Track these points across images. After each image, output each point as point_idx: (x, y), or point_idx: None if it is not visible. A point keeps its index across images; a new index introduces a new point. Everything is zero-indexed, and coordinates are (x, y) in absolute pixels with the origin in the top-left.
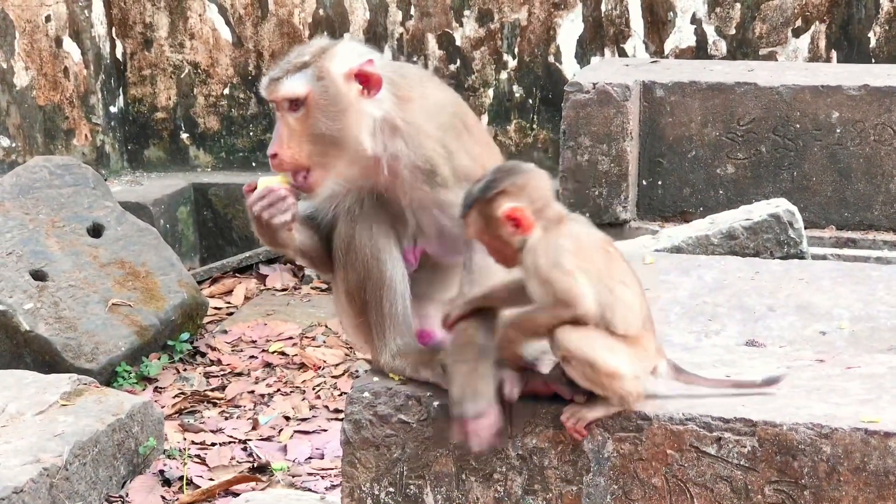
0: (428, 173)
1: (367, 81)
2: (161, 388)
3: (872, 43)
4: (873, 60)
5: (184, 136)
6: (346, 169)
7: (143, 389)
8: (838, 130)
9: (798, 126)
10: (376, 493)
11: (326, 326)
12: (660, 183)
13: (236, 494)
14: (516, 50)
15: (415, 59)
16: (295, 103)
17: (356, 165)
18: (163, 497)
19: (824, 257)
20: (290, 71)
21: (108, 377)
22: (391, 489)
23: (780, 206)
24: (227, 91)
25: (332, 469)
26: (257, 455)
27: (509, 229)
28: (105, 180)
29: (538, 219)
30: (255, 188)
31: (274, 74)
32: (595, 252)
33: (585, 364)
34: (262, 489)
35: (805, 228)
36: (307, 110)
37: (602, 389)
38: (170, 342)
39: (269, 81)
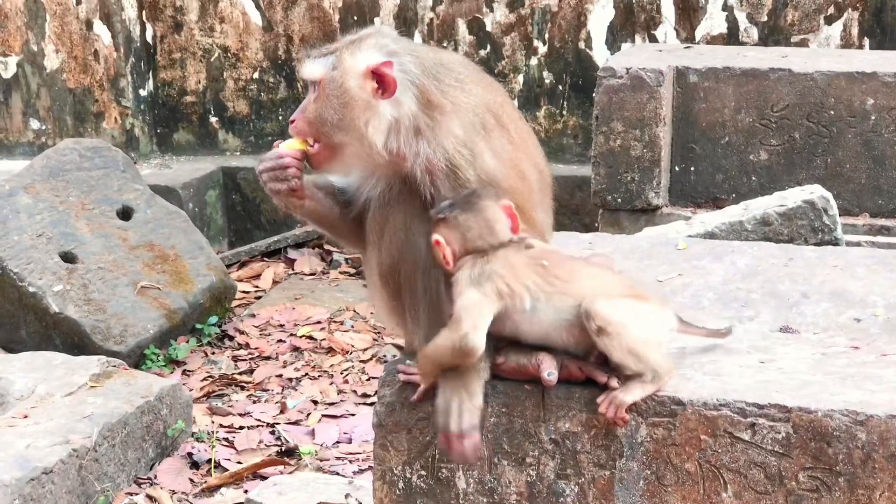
0: (449, 175)
1: (383, 82)
2: (189, 371)
3: None
4: None
5: (213, 119)
6: (353, 158)
7: (172, 372)
8: (873, 117)
9: (832, 112)
10: (408, 476)
11: (354, 311)
12: (692, 169)
13: (264, 478)
14: (547, 36)
15: (445, 44)
16: (314, 84)
17: (365, 158)
18: (191, 479)
19: (858, 244)
20: (319, 54)
21: (137, 360)
22: (423, 472)
23: (814, 192)
24: (256, 75)
25: (359, 453)
26: (285, 439)
27: (439, 257)
28: (134, 163)
29: (466, 253)
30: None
31: (309, 53)
32: (527, 270)
33: (621, 329)
34: (289, 473)
35: (839, 215)
36: (319, 94)
37: (637, 360)
38: (198, 325)
39: (302, 58)
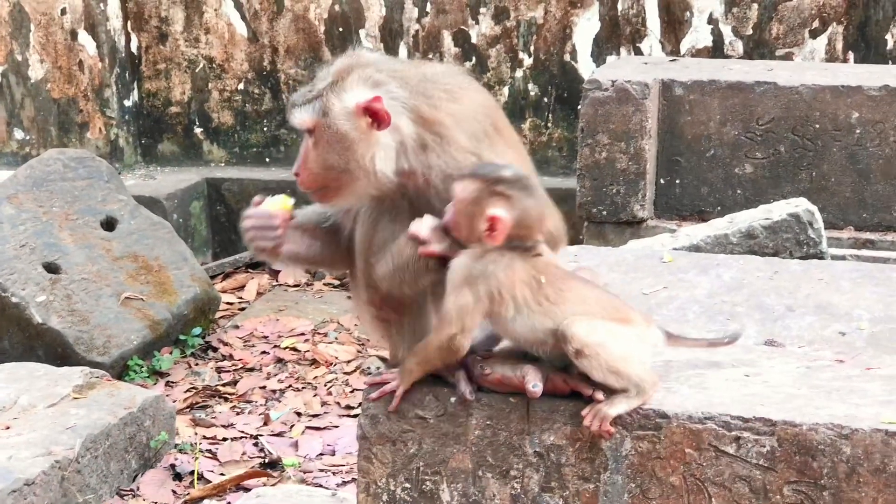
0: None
1: (376, 116)
2: (173, 382)
3: (889, 44)
4: (890, 62)
5: (198, 130)
6: (364, 191)
7: (155, 383)
8: (858, 131)
9: (817, 126)
10: (392, 488)
11: (338, 323)
12: (678, 182)
13: (247, 490)
14: (532, 48)
15: (430, 56)
16: (308, 131)
17: (377, 187)
18: (173, 491)
19: (843, 258)
20: (303, 101)
21: (120, 371)
22: (407, 485)
23: (799, 205)
24: (241, 86)
25: (343, 465)
26: (268, 450)
27: (482, 226)
28: (119, 174)
29: (508, 240)
30: (259, 203)
31: (294, 99)
32: (523, 283)
33: (599, 349)
34: (272, 485)
35: (824, 229)
36: (315, 140)
37: (618, 378)
38: (182, 336)
39: (289, 105)
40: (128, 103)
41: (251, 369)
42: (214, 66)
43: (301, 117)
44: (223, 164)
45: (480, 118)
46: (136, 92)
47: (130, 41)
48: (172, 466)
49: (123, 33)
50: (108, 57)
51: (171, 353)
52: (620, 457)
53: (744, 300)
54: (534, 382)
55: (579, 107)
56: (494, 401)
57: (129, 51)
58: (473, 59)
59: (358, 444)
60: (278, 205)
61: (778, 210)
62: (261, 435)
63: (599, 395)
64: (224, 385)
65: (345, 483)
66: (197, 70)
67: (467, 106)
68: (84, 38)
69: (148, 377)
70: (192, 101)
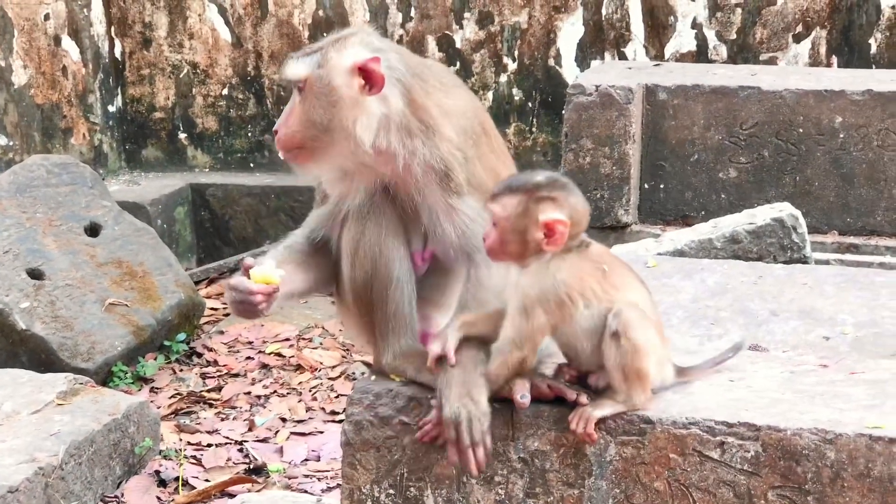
0: (443, 176)
1: (370, 78)
2: (157, 388)
3: (873, 49)
4: (874, 66)
5: (182, 136)
6: (341, 158)
7: (139, 389)
8: (842, 135)
9: (801, 130)
10: (376, 494)
11: (323, 328)
12: (662, 186)
13: (232, 496)
14: (516, 53)
15: None
16: (299, 85)
17: (352, 158)
18: (158, 498)
19: (827, 262)
20: (303, 54)
21: (104, 377)
22: (391, 491)
23: (783, 210)
24: (225, 91)
25: (328, 471)
26: (253, 456)
27: (538, 236)
28: (103, 179)
29: (566, 243)
30: (249, 269)
31: (293, 54)
32: (591, 276)
33: (636, 344)
34: (257, 491)
35: (808, 233)
36: (304, 95)
37: (625, 379)
38: (166, 342)
39: (289, 59)
40: (112, 109)
41: (236, 375)
42: (198, 71)
43: (296, 69)
44: (207, 170)
45: (469, 116)
46: (119, 97)
47: (114, 46)
48: (157, 473)
49: (107, 39)
50: (92, 62)
51: (155, 359)
52: (605, 462)
53: (728, 305)
54: (522, 393)
55: (563, 111)
56: None
57: (112, 56)
58: (458, 63)
59: (342, 451)
60: (264, 278)
61: (762, 215)
62: (245, 441)
63: (584, 399)
64: (209, 391)
65: (330, 489)
66: (181, 75)
67: (457, 102)
68: (68, 43)
69: (132, 383)
70: (177, 107)
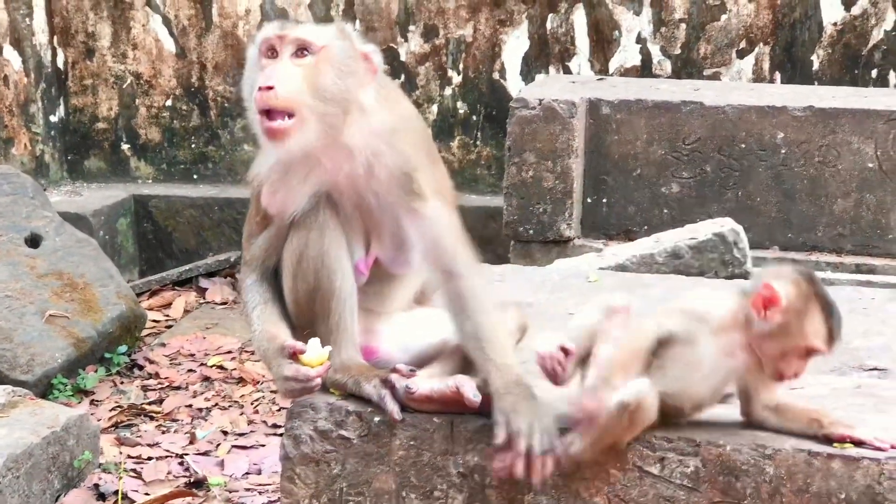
0: (406, 178)
1: (371, 67)
2: (97, 400)
3: (815, 65)
4: (816, 83)
5: (125, 146)
6: (328, 131)
7: (80, 402)
8: (783, 151)
9: (743, 146)
10: None
11: None
12: (605, 201)
13: None
14: (461, 66)
15: None
16: (304, 50)
17: (331, 141)
18: None
19: None
20: (311, 24)
21: (44, 389)
22: None
23: (725, 225)
24: (169, 102)
25: (269, 485)
26: (194, 470)
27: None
28: (44, 190)
29: None
30: (297, 354)
31: (288, 21)
32: None
33: None
34: None
35: (749, 248)
36: (317, 61)
37: None
38: (107, 355)
39: (286, 23)
40: (54, 119)
41: (177, 388)
42: (142, 81)
43: (313, 32)
44: (150, 181)
45: (418, 128)
46: (62, 107)
47: (57, 56)
48: (96, 486)
49: (50, 48)
50: (34, 72)
51: (96, 371)
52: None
53: None
54: (473, 392)
55: (507, 125)
56: (419, 421)
57: (55, 66)
58: (402, 76)
59: (281, 465)
60: (318, 360)
61: (703, 230)
62: (186, 454)
63: None
64: (150, 403)
65: (271, 502)
66: (124, 86)
67: (408, 113)
68: (9, 52)
69: (72, 396)
70: (120, 118)
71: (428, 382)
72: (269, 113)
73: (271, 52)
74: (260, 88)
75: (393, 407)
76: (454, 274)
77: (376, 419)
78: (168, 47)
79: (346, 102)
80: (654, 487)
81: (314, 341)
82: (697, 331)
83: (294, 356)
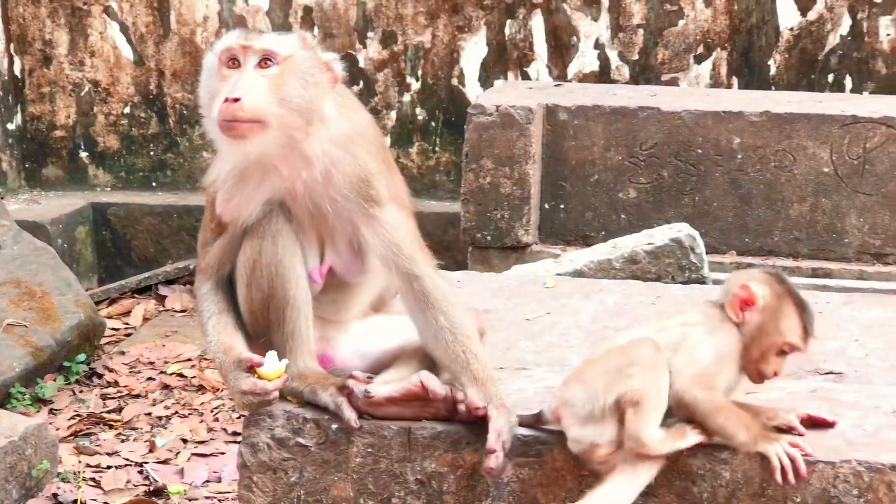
0: (364, 184)
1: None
2: (56, 409)
3: (773, 70)
4: (773, 87)
5: (83, 154)
6: (290, 140)
7: (38, 411)
8: (739, 156)
9: (700, 151)
10: None
11: None
12: (562, 206)
13: None
14: (420, 72)
15: None
16: (268, 61)
17: (289, 149)
18: None
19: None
20: (274, 33)
21: (2, 399)
22: None
23: (681, 230)
24: (127, 110)
25: (229, 493)
26: (153, 478)
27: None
28: (1, 198)
29: None
30: (255, 367)
31: (252, 28)
32: None
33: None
34: None
35: (706, 253)
36: (282, 71)
37: None
38: (66, 363)
39: (248, 32)
40: (11, 127)
41: (137, 396)
42: (100, 89)
43: (278, 42)
44: (109, 189)
45: (374, 136)
46: (19, 115)
47: (13, 64)
48: (55, 496)
49: (6, 56)
50: None
51: (54, 380)
52: (502, 484)
53: (626, 325)
54: (440, 386)
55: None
56: (376, 428)
57: (12, 73)
58: (361, 83)
59: (238, 473)
60: (276, 373)
61: (660, 235)
62: (146, 462)
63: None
64: (109, 412)
65: None
66: (82, 94)
67: (364, 120)
68: None
69: (30, 405)
70: (78, 125)
71: (387, 386)
72: (233, 122)
73: (233, 61)
74: (226, 100)
75: (350, 414)
76: (415, 277)
77: (333, 427)
78: (126, 54)
79: (309, 112)
80: None
81: (271, 354)
82: None
83: (251, 369)
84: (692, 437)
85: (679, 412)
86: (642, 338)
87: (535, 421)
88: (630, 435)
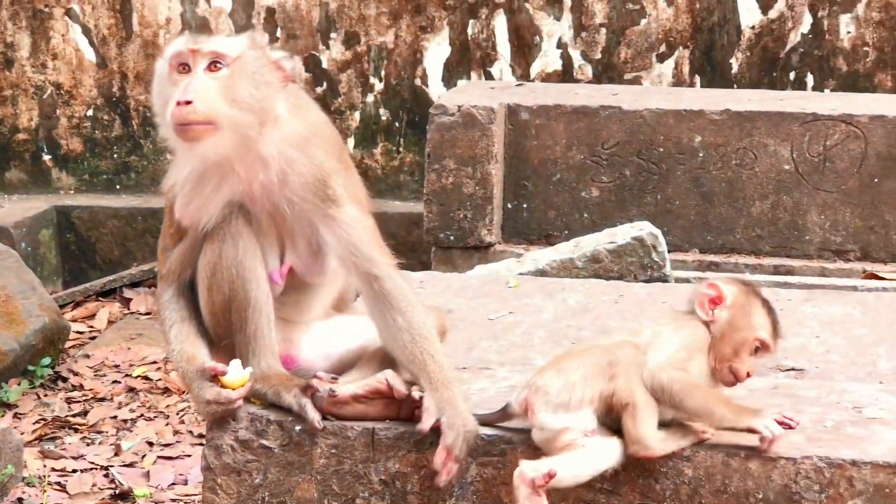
0: (321, 184)
1: (284, 74)
2: (21, 413)
3: (734, 69)
4: (735, 86)
5: (46, 157)
6: (244, 141)
7: (2, 415)
8: (701, 154)
9: (662, 150)
10: None
11: None
12: (525, 206)
13: None
14: (383, 73)
15: None
16: (217, 63)
17: (244, 150)
18: None
19: (687, 280)
20: (222, 36)
21: None
22: None
23: (643, 229)
24: (90, 112)
25: (195, 495)
26: (119, 481)
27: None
28: None
29: None
30: (218, 376)
31: (201, 33)
32: None
33: None
34: None
35: (668, 251)
36: (232, 72)
37: None
38: (30, 367)
39: (196, 36)
40: None
41: (102, 399)
42: (62, 92)
43: (225, 44)
44: (73, 192)
45: (330, 135)
46: None
47: None
48: (20, 501)
49: None
50: None
51: (18, 384)
52: (465, 483)
53: (588, 324)
54: (403, 385)
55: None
56: (339, 429)
57: None
58: (325, 84)
59: (203, 475)
60: (240, 382)
61: (622, 234)
62: (112, 466)
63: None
64: (74, 416)
65: None
66: (44, 96)
67: (319, 120)
68: None
69: None
70: (40, 128)
71: (352, 385)
72: (186, 126)
73: (183, 66)
74: (178, 103)
75: (313, 415)
76: (374, 277)
77: (297, 428)
78: (88, 57)
79: (262, 111)
80: (574, 491)
81: (235, 363)
82: None
83: (215, 378)
84: (692, 436)
85: (660, 400)
86: (623, 340)
87: (500, 417)
88: (632, 438)
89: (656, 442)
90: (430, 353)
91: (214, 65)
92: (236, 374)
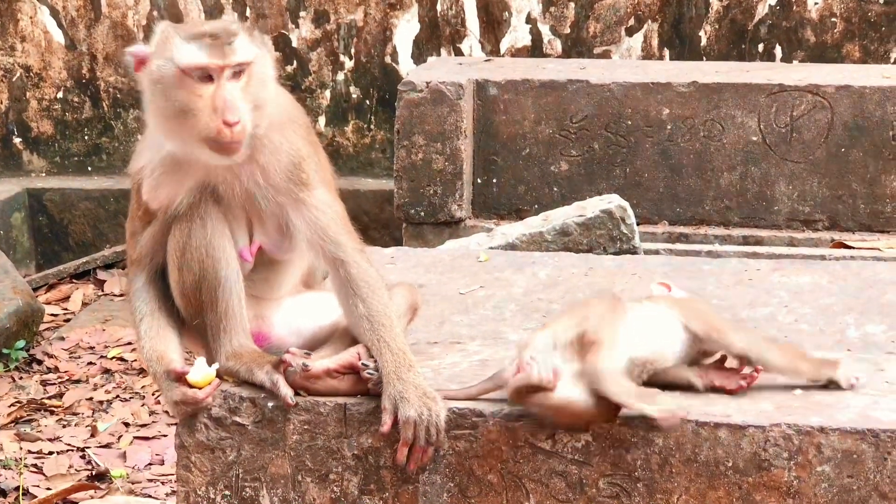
0: (296, 168)
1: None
2: None
3: (703, 41)
4: (704, 58)
5: (16, 140)
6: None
7: None
8: (669, 127)
9: (630, 123)
10: (212, 496)
11: None
12: (494, 181)
13: (74, 503)
14: (353, 51)
15: None
16: (240, 71)
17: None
18: None
19: (657, 252)
20: (234, 35)
21: None
22: (227, 492)
23: (612, 201)
24: (60, 94)
25: (172, 475)
26: (96, 462)
27: None
28: None
29: None
30: (182, 377)
31: (217, 39)
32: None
33: None
34: (101, 497)
35: (638, 224)
36: (249, 77)
37: None
38: (5, 350)
39: (213, 46)
40: None
41: (77, 381)
42: (32, 74)
43: (248, 50)
44: (44, 174)
45: (300, 118)
46: None
47: None
48: None
49: None
50: None
51: None
52: (438, 457)
53: (559, 297)
54: (373, 366)
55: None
56: (312, 405)
57: None
58: (294, 63)
59: (176, 453)
60: (205, 380)
61: (591, 207)
62: (88, 447)
63: None
64: (49, 398)
65: (174, 492)
66: (14, 79)
67: (289, 103)
68: None
69: None
70: (10, 111)
71: (325, 360)
72: (231, 143)
73: (206, 77)
74: (226, 123)
75: (286, 391)
76: (341, 261)
77: (270, 405)
78: (57, 39)
79: (267, 108)
80: (546, 463)
81: (200, 361)
82: None
83: (181, 379)
84: (664, 405)
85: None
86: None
87: (488, 388)
88: (585, 370)
89: (612, 381)
90: (387, 340)
91: (238, 74)
92: (201, 372)
